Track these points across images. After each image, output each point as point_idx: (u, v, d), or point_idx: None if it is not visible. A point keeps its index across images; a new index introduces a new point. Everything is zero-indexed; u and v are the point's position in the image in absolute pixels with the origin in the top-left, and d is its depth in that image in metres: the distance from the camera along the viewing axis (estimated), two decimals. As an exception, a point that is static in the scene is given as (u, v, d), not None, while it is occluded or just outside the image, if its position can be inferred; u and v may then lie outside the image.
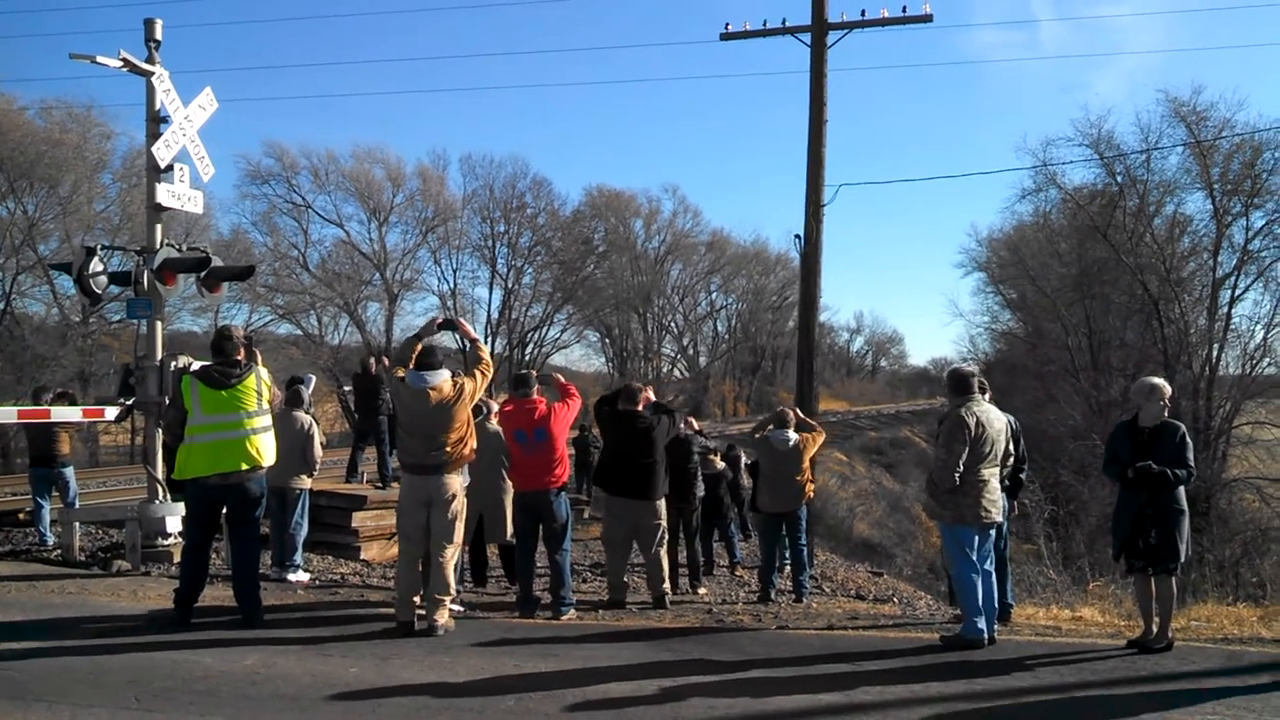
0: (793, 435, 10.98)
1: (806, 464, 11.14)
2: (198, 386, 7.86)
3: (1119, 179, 39.08)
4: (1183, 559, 7.53)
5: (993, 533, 7.86)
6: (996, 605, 7.93)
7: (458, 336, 8.61)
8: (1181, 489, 7.50)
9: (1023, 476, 8.82)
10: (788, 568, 11.84)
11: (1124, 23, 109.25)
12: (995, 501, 7.66)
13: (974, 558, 7.64)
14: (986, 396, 8.56)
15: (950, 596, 14.49)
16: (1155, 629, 7.61)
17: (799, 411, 11.97)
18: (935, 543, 32.07)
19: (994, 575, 7.84)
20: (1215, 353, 36.97)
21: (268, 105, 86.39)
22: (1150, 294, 36.15)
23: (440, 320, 8.88)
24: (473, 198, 60.02)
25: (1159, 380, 7.92)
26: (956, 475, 7.54)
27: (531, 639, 7.75)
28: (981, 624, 7.55)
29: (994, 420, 7.77)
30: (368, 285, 55.29)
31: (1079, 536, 24.93)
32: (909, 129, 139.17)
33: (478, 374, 8.13)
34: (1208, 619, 9.63)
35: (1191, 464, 7.50)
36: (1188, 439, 7.58)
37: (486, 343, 57.10)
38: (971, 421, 7.62)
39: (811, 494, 11.62)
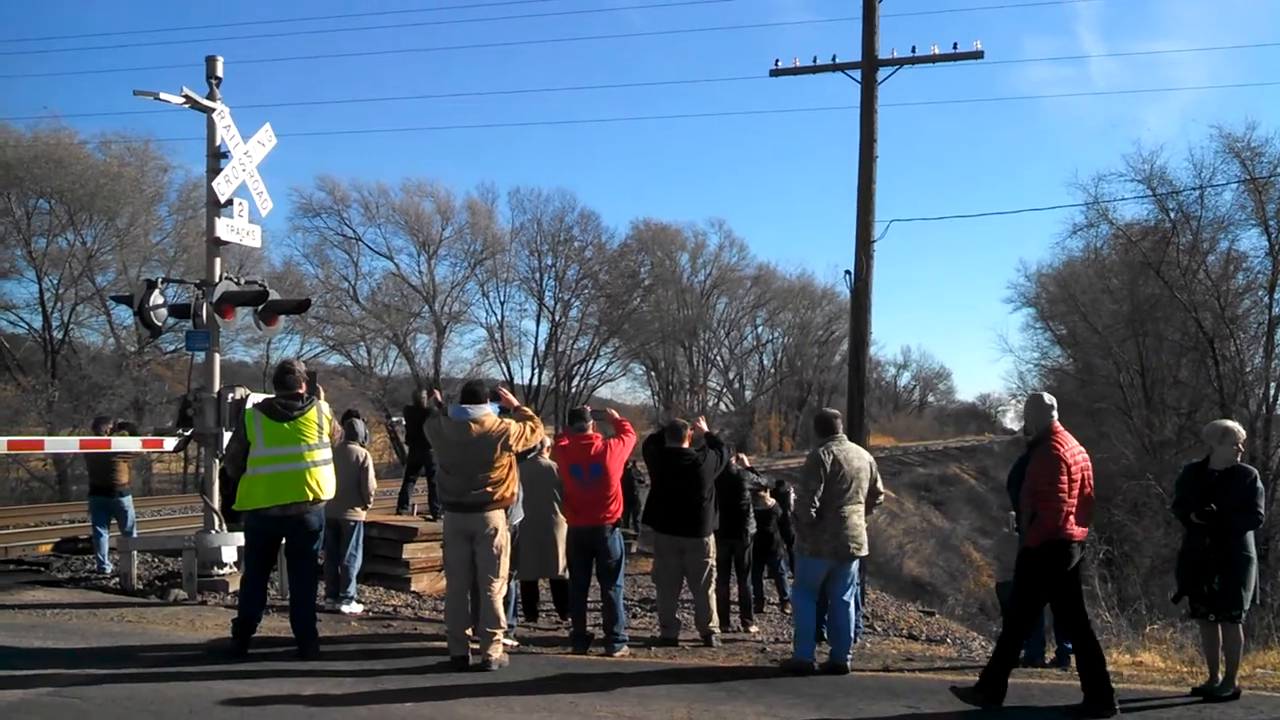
0: None
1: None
2: (261, 419, 7.96)
3: (1172, 215, 38.64)
4: (1247, 606, 7.38)
5: (854, 564, 8.29)
6: (852, 634, 8.37)
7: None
8: (1250, 535, 7.34)
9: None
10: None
11: (1176, 58, 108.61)
12: (855, 536, 8.10)
13: (812, 588, 8.19)
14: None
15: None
16: (1221, 677, 7.45)
17: None
18: (986, 582, 31.70)
19: (852, 605, 8.32)
20: (1272, 391, 36.34)
21: (321, 139, 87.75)
22: (1205, 331, 35.62)
23: (491, 391, 8.86)
24: (521, 231, 60.46)
25: (1233, 424, 7.80)
26: (813, 510, 7.99)
27: (587, 675, 7.74)
28: (806, 648, 8.11)
29: (852, 459, 8.19)
30: (416, 317, 55.75)
31: (1134, 577, 24.52)
32: (958, 163, 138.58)
33: (527, 426, 8.13)
34: (1274, 666, 9.40)
35: (1260, 510, 7.33)
36: (1259, 484, 7.41)
37: (533, 375, 57.52)
38: (828, 460, 8.09)
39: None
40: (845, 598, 8.21)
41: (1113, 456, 35.32)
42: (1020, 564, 7.22)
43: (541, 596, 11.61)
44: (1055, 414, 7.20)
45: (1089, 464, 7.20)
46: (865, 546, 8.29)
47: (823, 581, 8.23)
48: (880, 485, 8.58)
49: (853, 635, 8.38)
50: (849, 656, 8.17)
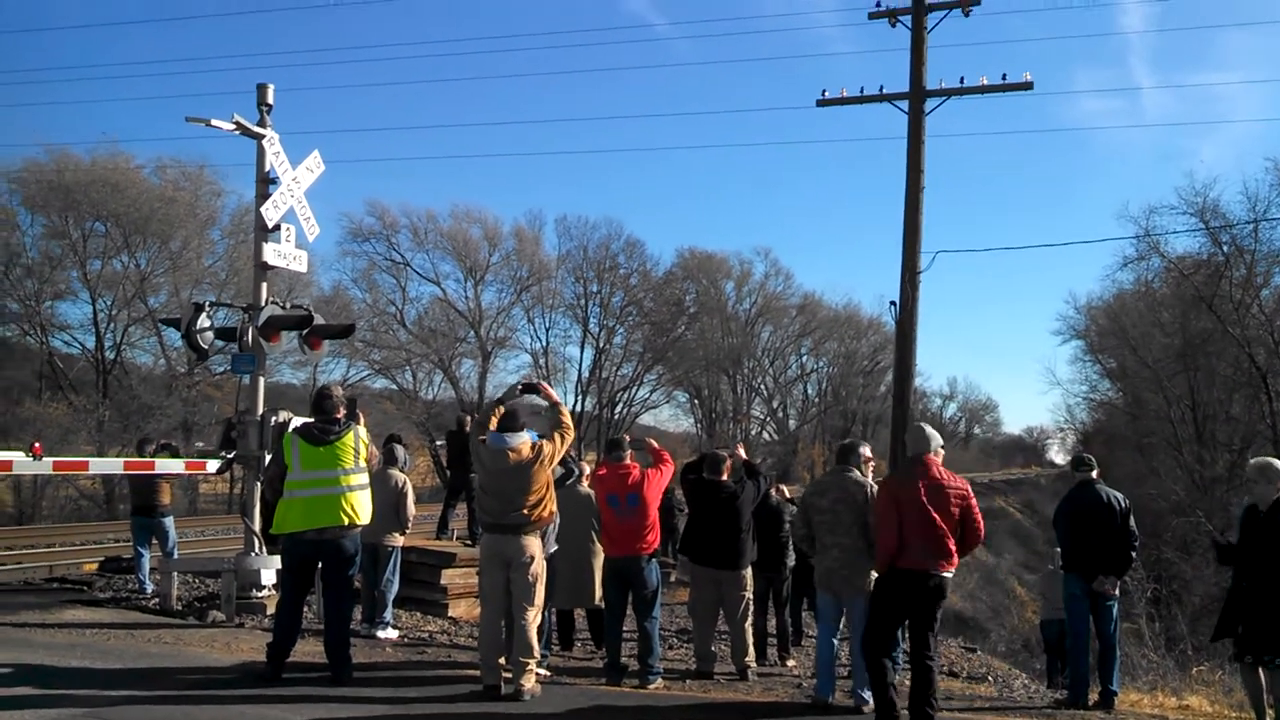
0: None
1: None
2: (298, 443, 8.01)
3: (1225, 248, 38.12)
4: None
5: (857, 602, 7.88)
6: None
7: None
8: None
9: (1133, 554, 8.54)
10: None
11: (1230, 90, 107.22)
12: (837, 570, 7.89)
13: (828, 620, 8.15)
14: (1095, 473, 8.50)
15: (1048, 676, 14.08)
16: None
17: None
18: (1030, 618, 31.17)
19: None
20: (1326, 429, 35.59)
21: (371, 165, 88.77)
22: (1258, 367, 35.00)
23: (523, 384, 8.91)
24: (567, 258, 60.74)
25: (1268, 460, 7.64)
26: (801, 541, 8.30)
27: (620, 707, 7.68)
28: (823, 684, 8.04)
29: (829, 490, 8.06)
30: (462, 342, 56.09)
31: (1181, 617, 24.01)
32: (1006, 194, 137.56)
33: (558, 437, 8.15)
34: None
35: None
36: None
37: (576, 402, 57.58)
38: (809, 491, 8.37)
39: None
40: (858, 635, 7.84)
41: (1162, 493, 34.75)
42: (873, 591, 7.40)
43: (577, 626, 11.55)
44: (933, 444, 7.28)
45: (953, 494, 7.15)
46: (853, 583, 7.87)
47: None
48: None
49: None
50: (864, 694, 7.82)
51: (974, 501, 7.30)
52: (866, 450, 8.37)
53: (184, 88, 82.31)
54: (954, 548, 7.10)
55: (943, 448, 7.47)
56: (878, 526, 7.13)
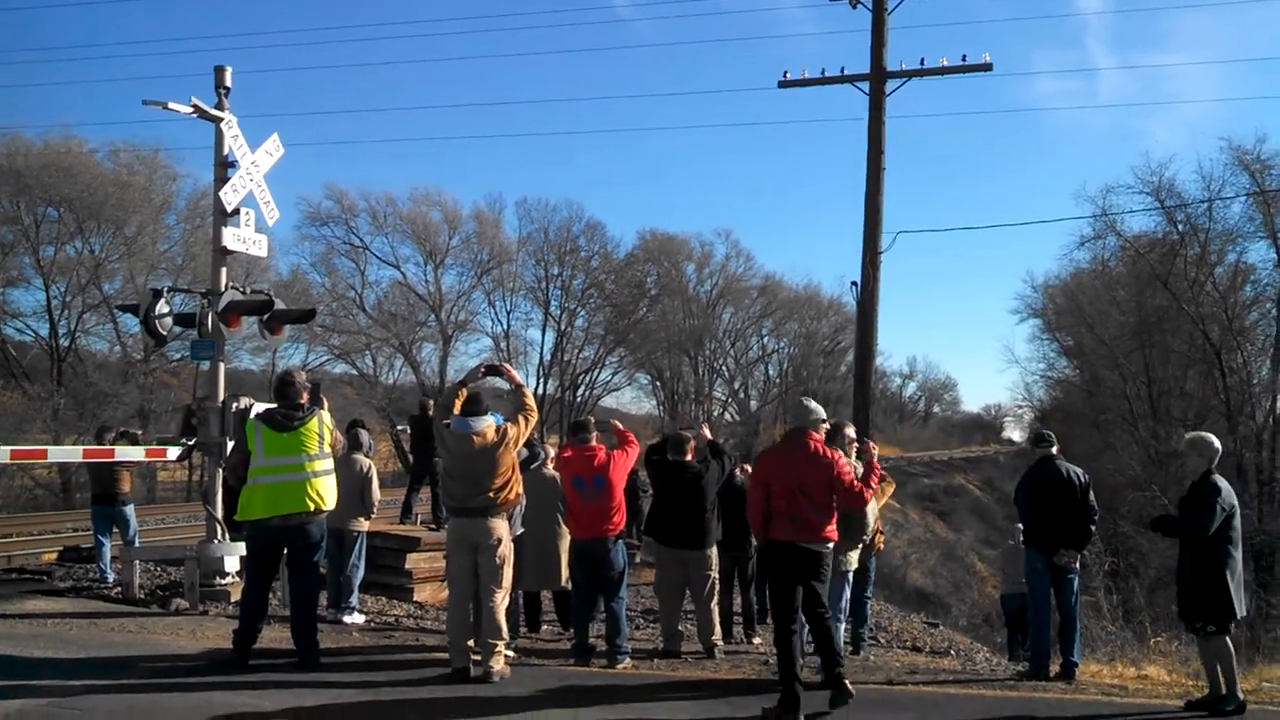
0: None
1: (876, 514, 11.04)
2: (262, 429, 7.97)
3: (1180, 227, 38.65)
4: (1227, 617, 7.31)
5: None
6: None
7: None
8: (1221, 547, 7.34)
9: (1093, 528, 8.70)
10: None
11: (1185, 71, 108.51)
12: None
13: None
14: (1055, 449, 8.63)
15: (1010, 649, 14.29)
16: (1223, 689, 7.40)
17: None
18: (991, 593, 31.56)
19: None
20: (1279, 403, 36.28)
21: (329, 149, 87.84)
22: (1212, 343, 35.57)
23: (485, 366, 8.90)
24: (527, 241, 60.47)
25: (1197, 435, 7.92)
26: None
27: (589, 687, 7.71)
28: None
29: None
30: (423, 326, 55.76)
31: (1138, 589, 24.39)
32: (966, 175, 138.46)
33: (521, 419, 8.14)
34: (1280, 680, 9.34)
35: (1202, 521, 7.32)
36: (1210, 497, 7.38)
37: (538, 385, 57.46)
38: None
39: (881, 545, 11.53)
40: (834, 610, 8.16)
41: (1119, 468, 35.25)
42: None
43: (544, 607, 11.58)
44: (812, 419, 7.44)
45: (826, 469, 7.28)
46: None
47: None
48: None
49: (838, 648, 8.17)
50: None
51: (848, 476, 7.41)
52: (850, 431, 8.43)
53: (137, 70, 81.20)
54: (826, 521, 7.25)
55: (824, 423, 7.65)
56: (749, 498, 7.22)
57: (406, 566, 13.16)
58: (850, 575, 9.51)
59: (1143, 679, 9.03)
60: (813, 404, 7.61)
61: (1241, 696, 7.37)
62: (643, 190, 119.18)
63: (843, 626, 8.26)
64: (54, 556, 15.02)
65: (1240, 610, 7.37)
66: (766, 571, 12.50)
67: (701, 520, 9.23)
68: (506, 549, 7.96)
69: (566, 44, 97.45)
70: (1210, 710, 7.30)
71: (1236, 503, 7.54)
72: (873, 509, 9.57)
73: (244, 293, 11.45)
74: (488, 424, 7.92)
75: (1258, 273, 39.44)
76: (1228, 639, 7.43)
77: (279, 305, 11.54)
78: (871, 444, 9.81)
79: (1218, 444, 7.68)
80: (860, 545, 9.97)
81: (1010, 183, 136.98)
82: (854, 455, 8.33)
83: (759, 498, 7.30)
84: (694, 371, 70.22)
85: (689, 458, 9.37)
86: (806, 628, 7.54)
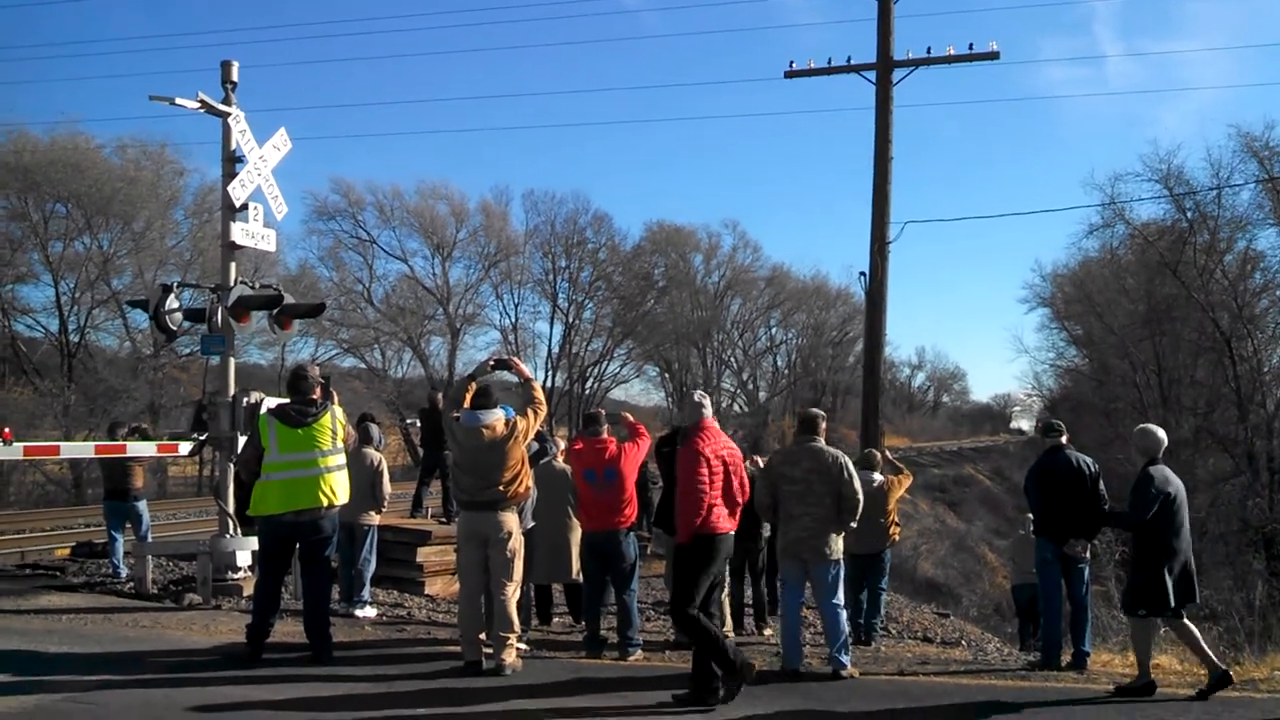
0: (877, 476, 10.98)
1: (892, 506, 11.10)
2: (275, 424, 7.98)
3: (1189, 215, 38.46)
4: (1160, 604, 7.49)
5: (830, 567, 8.10)
6: (840, 637, 8.12)
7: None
8: (1158, 535, 7.54)
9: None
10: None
11: (1194, 57, 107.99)
12: (805, 539, 8.05)
13: (793, 588, 8.31)
14: (1064, 439, 8.63)
15: (1021, 640, 14.28)
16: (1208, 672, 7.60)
17: (887, 454, 11.90)
18: (1001, 583, 31.56)
19: (839, 607, 8.13)
20: (1290, 391, 36.17)
21: (336, 143, 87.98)
22: (1222, 331, 35.43)
23: (494, 360, 8.91)
24: (535, 233, 60.45)
25: (1146, 426, 8.13)
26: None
27: (602, 679, 7.73)
28: (790, 653, 8.12)
29: (801, 460, 8.18)
30: (431, 320, 55.81)
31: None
32: (973, 163, 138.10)
33: (530, 412, 8.14)
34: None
35: (1134, 509, 7.64)
36: (1142, 486, 7.64)
37: (546, 377, 57.51)
38: (776, 460, 8.51)
39: (897, 537, 11.56)
40: (830, 600, 8.11)
41: (1128, 457, 35.08)
42: (675, 560, 7.41)
43: (555, 600, 11.60)
44: (707, 411, 7.47)
45: (737, 458, 7.46)
46: (822, 552, 8.06)
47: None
48: (850, 490, 8.17)
49: (842, 638, 8.15)
50: (844, 658, 8.04)
51: (741, 465, 7.55)
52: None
53: (143, 66, 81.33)
54: (725, 509, 7.31)
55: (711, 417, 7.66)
56: (686, 490, 7.14)
57: (418, 560, 13.20)
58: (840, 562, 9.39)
59: (1154, 668, 9.00)
60: (703, 397, 7.64)
61: (1151, 677, 7.65)
62: (649, 181, 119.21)
63: (843, 616, 8.24)
64: (67, 552, 15.08)
65: (1174, 601, 7.49)
66: (776, 563, 12.63)
67: (712, 511, 9.23)
68: (517, 542, 7.98)
69: (572, 35, 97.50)
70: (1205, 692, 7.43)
71: (1177, 492, 7.67)
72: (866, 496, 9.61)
73: (253, 287, 11.47)
74: (497, 417, 7.92)
75: (1267, 260, 39.32)
76: (1149, 621, 7.69)
77: (288, 300, 11.56)
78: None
79: (1159, 435, 7.90)
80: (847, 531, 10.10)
81: (1018, 171, 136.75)
82: None
83: (707, 486, 7.20)
84: (702, 363, 70.19)
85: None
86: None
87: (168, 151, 41.71)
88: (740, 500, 7.51)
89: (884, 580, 11.30)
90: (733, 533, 7.46)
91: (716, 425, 7.55)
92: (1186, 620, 7.65)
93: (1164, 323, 38.93)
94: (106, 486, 12.88)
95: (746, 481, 7.65)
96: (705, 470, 7.12)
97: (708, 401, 7.62)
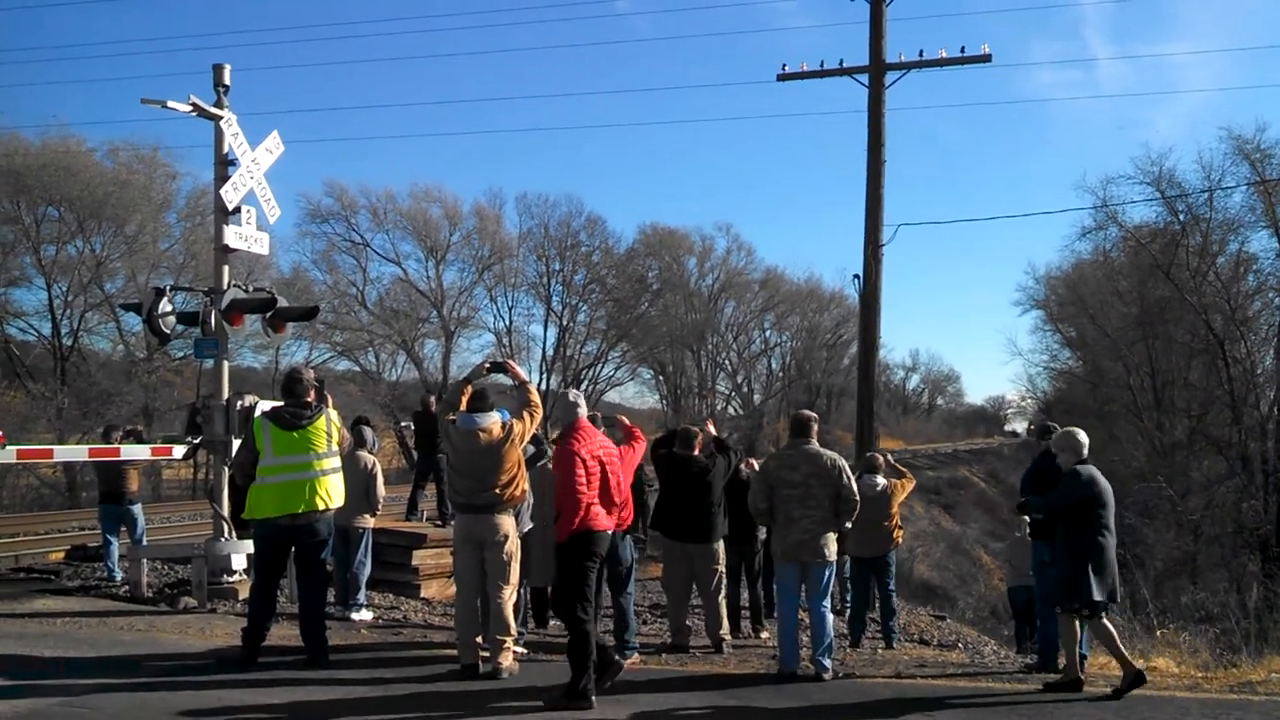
0: (880, 480, 11.05)
1: (895, 509, 11.16)
2: (269, 427, 7.96)
3: (1181, 217, 38.49)
4: (1082, 600, 7.58)
5: (824, 569, 8.15)
6: (826, 640, 8.12)
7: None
8: (1082, 532, 7.67)
9: None
10: (847, 612, 11.94)
11: (1185, 60, 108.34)
12: (805, 541, 8.02)
13: (788, 591, 8.30)
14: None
15: (1017, 642, 14.28)
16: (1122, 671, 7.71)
17: (889, 458, 11.94)
18: (997, 585, 31.57)
19: (826, 609, 8.18)
20: (1284, 393, 36.18)
21: (329, 146, 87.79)
22: (1215, 333, 35.47)
23: (490, 363, 8.90)
24: (528, 236, 60.34)
25: (1060, 431, 8.32)
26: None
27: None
28: (787, 655, 8.14)
29: (800, 464, 8.17)
30: (425, 323, 55.69)
31: (1144, 581, 24.40)
32: (965, 166, 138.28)
33: (526, 416, 8.12)
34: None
35: (1048, 499, 7.98)
36: (1066, 481, 7.82)
37: (541, 380, 57.46)
38: (772, 464, 8.49)
39: (900, 539, 11.62)
40: (821, 602, 8.13)
41: (1123, 459, 35.23)
42: (556, 558, 7.43)
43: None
44: (581, 411, 7.52)
45: (614, 457, 7.50)
46: (821, 553, 8.07)
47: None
48: (848, 492, 8.20)
49: (827, 641, 8.15)
50: (826, 662, 8.05)
51: (617, 464, 7.59)
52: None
53: (134, 69, 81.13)
54: (603, 508, 7.33)
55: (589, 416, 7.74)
56: (564, 490, 7.19)
57: (413, 563, 13.16)
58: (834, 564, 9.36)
59: (1151, 670, 9.01)
60: (578, 397, 7.70)
61: (1080, 675, 7.76)
62: (643, 184, 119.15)
63: (830, 619, 8.25)
64: (61, 556, 15.05)
65: (1098, 595, 7.56)
66: (773, 566, 12.65)
67: (709, 514, 9.26)
68: (513, 545, 7.96)
69: (564, 39, 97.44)
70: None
71: (1102, 491, 7.75)
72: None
73: (246, 290, 11.44)
74: (493, 420, 7.91)
75: (1260, 262, 39.33)
76: (1069, 618, 7.76)
77: (281, 303, 11.53)
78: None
79: (1082, 437, 8.02)
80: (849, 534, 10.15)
81: (1011, 174, 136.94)
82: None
83: (585, 485, 7.23)
84: (697, 366, 70.21)
85: (697, 452, 9.38)
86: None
87: (160, 155, 41.65)
88: (618, 500, 7.52)
89: (892, 581, 11.40)
90: (610, 530, 7.45)
91: (592, 425, 7.59)
92: (1106, 620, 7.73)
93: (1157, 325, 39.00)
94: (101, 490, 12.86)
95: (623, 481, 7.61)
96: (582, 471, 7.15)
97: (582, 401, 7.67)
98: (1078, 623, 7.75)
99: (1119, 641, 7.78)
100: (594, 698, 6.95)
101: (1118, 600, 7.95)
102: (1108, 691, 7.51)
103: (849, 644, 10.77)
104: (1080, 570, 7.57)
